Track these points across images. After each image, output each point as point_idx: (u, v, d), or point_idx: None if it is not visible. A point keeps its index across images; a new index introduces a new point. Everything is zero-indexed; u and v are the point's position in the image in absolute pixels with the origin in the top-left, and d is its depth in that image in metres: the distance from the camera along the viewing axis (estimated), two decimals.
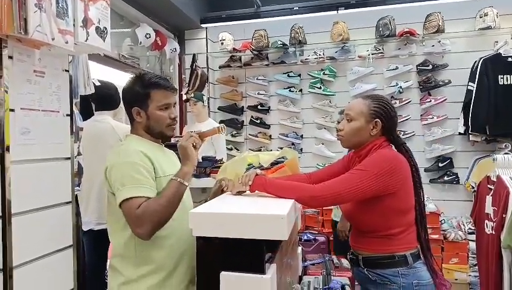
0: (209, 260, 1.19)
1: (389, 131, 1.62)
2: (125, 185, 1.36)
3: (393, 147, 1.64)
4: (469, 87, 3.71)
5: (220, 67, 4.57)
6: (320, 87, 4.29)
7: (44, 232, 1.59)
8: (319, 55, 4.22)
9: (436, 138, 3.97)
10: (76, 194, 2.03)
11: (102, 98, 2.56)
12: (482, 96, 3.59)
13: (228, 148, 4.32)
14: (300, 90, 4.39)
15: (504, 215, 2.23)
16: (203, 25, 4.36)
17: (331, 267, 2.36)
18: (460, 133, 3.84)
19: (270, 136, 4.50)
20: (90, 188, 2.46)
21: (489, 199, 2.41)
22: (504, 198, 2.24)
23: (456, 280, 3.47)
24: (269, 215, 1.15)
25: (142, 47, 3.69)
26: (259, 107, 4.51)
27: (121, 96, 2.63)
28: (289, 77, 4.38)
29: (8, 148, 1.40)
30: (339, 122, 3.30)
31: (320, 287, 1.90)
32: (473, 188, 3.63)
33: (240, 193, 1.51)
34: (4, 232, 1.39)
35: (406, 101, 4.07)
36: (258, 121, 4.51)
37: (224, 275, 1.14)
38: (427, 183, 3.92)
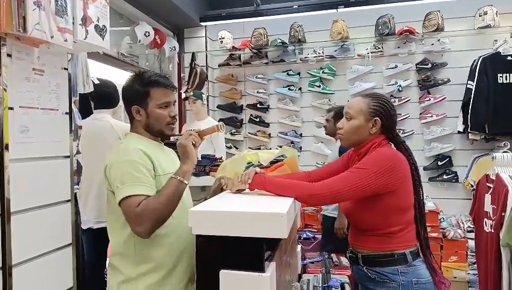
0: (208, 258, 1.19)
1: (388, 129, 1.62)
2: (125, 183, 1.36)
3: (392, 145, 1.64)
4: (468, 86, 3.71)
5: (219, 65, 4.57)
6: (319, 86, 4.29)
7: (43, 231, 1.59)
8: (319, 53, 4.22)
9: (435, 137, 3.97)
10: (76, 193, 2.03)
11: (101, 97, 2.56)
12: (481, 94, 3.59)
13: (227, 147, 4.32)
14: (300, 88, 4.38)
15: (503, 214, 2.23)
16: (202, 23, 4.35)
17: (331, 266, 2.37)
18: (459, 132, 3.85)
19: (270, 134, 4.50)
20: (89, 186, 2.46)
21: (488, 197, 2.42)
22: (503, 196, 2.25)
23: (455, 278, 3.48)
24: (269, 214, 1.15)
25: (141, 45, 3.68)
26: (258, 105, 4.51)
27: (120, 95, 2.65)
28: (288, 75, 4.37)
29: (7, 147, 1.40)
30: (327, 121, 3.33)
31: (320, 285, 1.90)
32: (472, 186, 3.63)
33: (239, 191, 1.50)
34: (3, 231, 1.39)
35: (405, 100, 4.07)
36: (257, 120, 4.51)
37: (223, 273, 1.14)
38: (426, 181, 3.92)
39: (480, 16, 3.75)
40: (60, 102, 1.69)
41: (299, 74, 4.37)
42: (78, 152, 2.55)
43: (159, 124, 1.53)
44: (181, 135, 2.99)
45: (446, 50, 3.93)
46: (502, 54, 3.57)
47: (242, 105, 4.59)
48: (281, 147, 3.14)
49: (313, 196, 1.45)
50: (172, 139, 1.98)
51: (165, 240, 1.45)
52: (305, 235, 3.46)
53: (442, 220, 3.73)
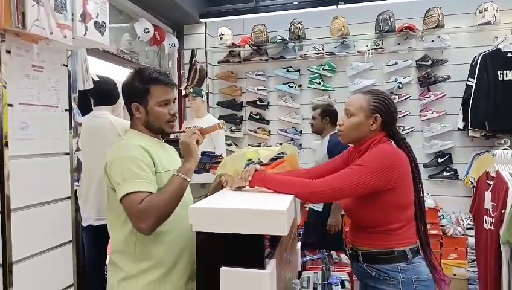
0: (209, 255, 1.19)
1: (388, 126, 1.62)
2: (126, 179, 1.36)
3: (392, 142, 1.64)
4: (468, 83, 3.70)
5: (219, 62, 4.55)
6: (319, 83, 4.28)
7: (43, 228, 1.59)
8: (319, 50, 4.21)
9: (435, 134, 3.97)
10: (76, 190, 2.03)
11: (101, 93, 2.55)
12: (481, 91, 3.58)
13: (227, 144, 4.31)
14: (300, 85, 4.38)
15: (503, 211, 2.23)
16: (202, 20, 4.34)
17: (330, 263, 2.37)
18: (459, 129, 3.84)
19: (269, 131, 4.50)
20: (89, 183, 2.46)
21: (488, 195, 2.42)
22: (503, 194, 2.24)
23: (455, 275, 3.49)
24: (269, 211, 1.15)
25: (141, 42, 3.67)
26: (258, 102, 4.50)
27: (120, 92, 2.64)
28: (288, 72, 4.36)
29: (6, 144, 1.40)
30: (313, 118, 3.34)
31: (320, 282, 1.90)
32: (472, 183, 3.63)
33: (239, 189, 1.50)
34: (3, 228, 1.39)
35: (405, 97, 4.07)
36: (257, 117, 4.50)
37: (224, 270, 1.14)
38: (426, 178, 3.92)
39: (480, 12, 3.74)
40: (59, 99, 1.68)
41: (299, 70, 4.36)
42: (78, 149, 2.54)
43: (159, 122, 1.53)
44: (181, 132, 2.99)
45: (446, 47, 3.92)
46: (502, 50, 3.56)
47: (242, 102, 4.58)
48: (281, 144, 3.15)
49: (313, 193, 1.45)
50: (172, 136, 1.98)
51: (165, 237, 1.45)
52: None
53: (442, 217, 3.73)
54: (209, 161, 2.76)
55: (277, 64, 4.43)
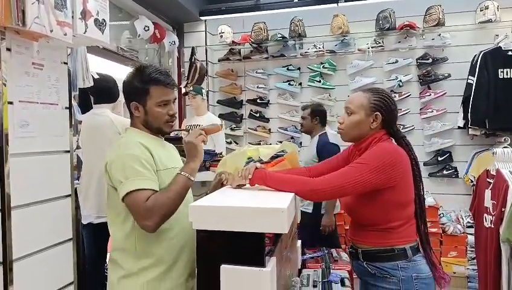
0: (209, 253, 1.19)
1: (389, 124, 1.62)
2: (129, 177, 1.36)
3: (393, 140, 1.64)
4: (469, 81, 3.70)
5: (219, 60, 4.55)
6: (319, 81, 4.28)
7: (44, 226, 1.59)
8: (319, 48, 4.21)
9: (436, 132, 3.97)
10: (76, 188, 2.03)
11: (101, 91, 2.55)
12: (481, 90, 3.58)
13: (227, 142, 4.32)
14: (300, 83, 4.37)
15: (503, 209, 2.23)
16: (202, 18, 4.33)
17: (330, 261, 2.37)
18: (459, 127, 3.84)
19: (270, 129, 4.50)
20: (89, 181, 2.46)
21: (488, 193, 2.42)
22: (503, 192, 2.24)
23: (455, 273, 3.50)
24: (269, 209, 1.15)
25: (141, 40, 3.67)
26: (258, 100, 4.50)
27: (120, 90, 2.63)
28: (288, 70, 4.36)
29: (7, 141, 1.39)
30: (303, 118, 3.34)
31: (320, 280, 1.91)
32: (472, 181, 3.64)
33: (239, 187, 1.50)
34: (4, 226, 1.39)
35: (406, 95, 4.07)
36: (257, 115, 4.50)
37: (224, 268, 1.14)
38: (426, 177, 3.92)
39: (481, 10, 3.74)
40: (59, 96, 1.68)
41: (299, 68, 4.36)
42: (78, 147, 2.54)
43: (157, 122, 1.53)
44: (181, 130, 2.99)
45: (447, 45, 3.92)
46: (502, 48, 3.56)
47: (242, 100, 4.58)
48: (281, 142, 3.14)
49: (313, 191, 1.45)
50: (172, 134, 1.98)
51: (166, 235, 1.45)
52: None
53: (441, 215, 3.73)
54: (209, 159, 2.75)
55: (277, 62, 4.42)
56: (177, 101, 1.65)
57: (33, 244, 1.53)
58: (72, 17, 1.53)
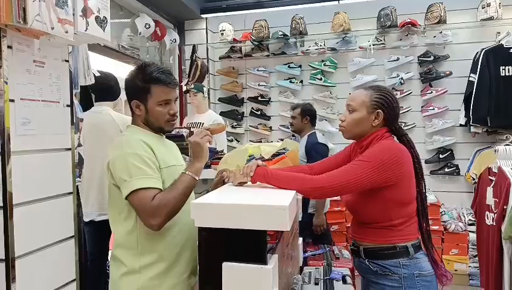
0: (211, 251, 1.19)
1: (390, 122, 1.61)
2: (133, 176, 1.36)
3: (395, 138, 1.63)
4: (470, 79, 3.69)
5: (220, 58, 4.55)
6: (321, 79, 4.27)
7: (46, 223, 1.59)
8: (320, 46, 4.20)
9: (437, 130, 3.97)
10: (77, 185, 2.03)
11: (102, 89, 2.55)
12: (483, 87, 3.58)
13: (228, 140, 4.32)
14: (301, 81, 4.37)
15: (505, 207, 2.23)
16: (203, 15, 4.33)
17: (332, 258, 2.37)
18: (461, 125, 3.84)
19: (271, 127, 4.50)
20: (91, 179, 2.46)
21: (490, 191, 2.42)
22: (505, 189, 2.24)
23: (456, 270, 3.50)
24: (271, 206, 1.14)
25: (142, 38, 3.66)
26: (259, 98, 4.50)
27: (121, 88, 2.63)
28: (290, 68, 4.36)
29: (8, 139, 1.39)
30: (293, 118, 3.35)
31: (321, 277, 1.90)
32: (474, 179, 3.63)
33: (241, 184, 1.50)
34: (6, 223, 1.39)
35: (407, 93, 4.06)
36: (259, 113, 4.50)
37: (226, 265, 1.14)
38: (427, 174, 3.92)
39: (483, 7, 3.73)
40: (61, 94, 1.68)
41: (300, 66, 4.36)
42: (79, 145, 2.54)
43: (158, 122, 1.53)
44: (182, 128, 2.98)
45: (448, 42, 3.91)
46: (504, 46, 3.55)
47: (243, 98, 4.58)
48: (282, 140, 3.14)
49: (315, 188, 1.44)
50: (174, 132, 1.98)
51: (168, 232, 1.45)
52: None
53: (443, 213, 3.73)
54: (210, 157, 2.76)
55: (278, 60, 4.42)
56: (178, 99, 1.65)
57: (35, 242, 1.53)
58: (73, 14, 1.53)
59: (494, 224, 2.34)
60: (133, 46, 3.65)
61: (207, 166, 2.69)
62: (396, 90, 4.01)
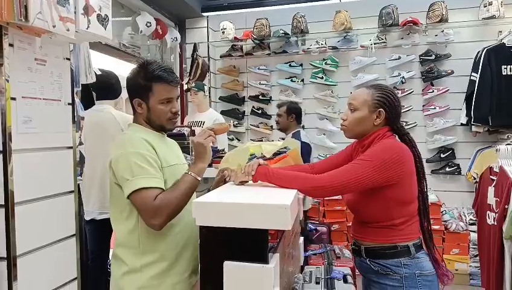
0: (212, 250, 1.19)
1: (392, 121, 1.61)
2: (136, 175, 1.36)
3: (396, 137, 1.63)
4: (472, 78, 3.69)
5: (221, 56, 4.54)
6: (322, 77, 4.27)
7: (47, 222, 1.59)
8: (321, 44, 4.19)
9: (438, 129, 3.96)
10: (79, 184, 2.03)
11: (103, 88, 2.55)
12: (485, 86, 3.57)
13: (229, 139, 4.32)
14: (302, 80, 4.37)
15: (506, 206, 2.22)
16: (204, 14, 4.32)
17: (333, 257, 2.37)
18: (462, 124, 3.84)
19: (272, 126, 4.49)
20: (92, 177, 2.46)
21: (491, 190, 2.41)
22: (507, 189, 2.24)
23: (457, 270, 3.49)
24: (273, 205, 1.14)
25: (143, 36, 3.66)
26: (260, 97, 4.49)
27: (121, 86, 2.63)
28: (291, 66, 4.35)
29: (10, 137, 1.39)
30: (279, 116, 3.36)
31: (322, 277, 1.90)
32: (475, 178, 3.63)
33: (242, 183, 1.50)
34: (7, 222, 1.39)
35: (408, 92, 4.06)
36: (260, 111, 4.49)
37: (227, 264, 1.14)
38: (428, 174, 3.92)
39: (485, 6, 3.72)
40: (62, 92, 1.68)
41: (301, 65, 4.35)
42: (80, 143, 2.54)
43: (160, 120, 1.52)
44: (183, 127, 2.98)
45: (450, 41, 3.90)
46: (506, 45, 3.54)
47: (244, 96, 4.57)
48: (283, 139, 3.15)
49: (316, 188, 1.44)
50: (175, 131, 1.98)
51: (169, 231, 1.45)
52: (307, 228, 3.46)
53: (444, 212, 3.73)
54: (211, 156, 2.76)
55: (279, 59, 4.41)
56: (179, 97, 1.65)
57: (36, 240, 1.53)
58: (75, 12, 1.53)
59: (495, 224, 2.33)
60: (134, 44, 3.64)
61: (208, 165, 2.69)
62: (397, 89, 4.00)
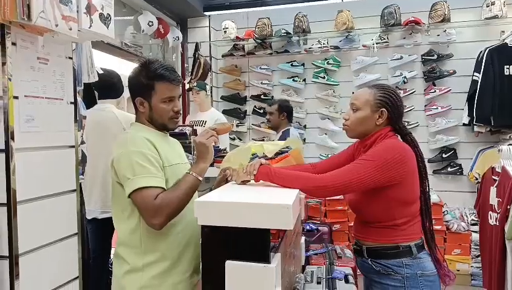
0: (214, 249, 1.19)
1: (394, 121, 1.61)
2: (137, 174, 1.36)
3: (398, 137, 1.63)
4: (474, 78, 3.68)
5: (223, 56, 4.54)
6: (324, 77, 4.26)
7: (49, 220, 1.59)
8: (323, 44, 4.19)
9: (440, 129, 3.96)
10: (80, 183, 2.03)
11: (106, 87, 2.55)
12: (487, 86, 3.56)
13: (231, 138, 4.32)
14: (304, 79, 4.36)
15: (508, 207, 2.22)
16: (206, 13, 4.32)
17: (334, 257, 2.37)
18: (464, 124, 3.83)
19: None
20: (94, 176, 2.47)
21: (493, 190, 2.41)
22: (509, 189, 2.23)
23: (458, 270, 3.49)
24: (275, 205, 1.14)
25: (145, 35, 3.66)
26: (262, 96, 4.49)
27: (124, 85, 2.63)
28: (293, 66, 4.35)
29: (12, 136, 1.39)
30: (270, 114, 3.35)
31: (324, 277, 1.90)
32: (477, 179, 3.62)
33: (244, 183, 1.50)
34: (10, 220, 1.39)
35: (410, 92, 4.05)
36: (261, 111, 4.48)
37: (229, 264, 1.14)
38: (430, 174, 3.91)
39: (487, 6, 3.71)
40: (64, 91, 1.68)
41: (303, 64, 4.34)
42: (82, 142, 2.54)
43: (162, 119, 1.52)
44: (185, 126, 2.98)
45: (452, 41, 3.89)
46: (509, 45, 3.52)
47: (246, 96, 4.57)
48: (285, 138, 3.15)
49: (318, 187, 1.44)
50: (177, 130, 1.98)
51: (171, 230, 1.45)
52: (308, 227, 3.45)
53: (446, 212, 3.72)
54: (213, 156, 2.76)
55: (281, 58, 4.41)
56: (181, 96, 1.65)
57: (38, 239, 1.53)
58: (77, 11, 1.53)
59: (497, 224, 2.33)
60: (135, 43, 3.64)
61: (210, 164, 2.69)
62: (399, 89, 4.00)
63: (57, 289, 1.63)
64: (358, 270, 1.78)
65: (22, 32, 1.43)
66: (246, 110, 4.57)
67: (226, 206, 1.18)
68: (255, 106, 4.51)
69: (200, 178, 1.46)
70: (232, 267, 1.14)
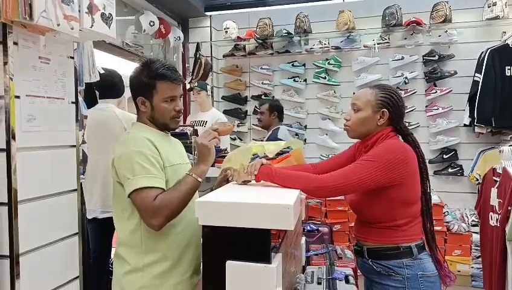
0: (214, 249, 1.19)
1: (396, 121, 1.61)
2: (137, 174, 1.36)
3: (400, 137, 1.63)
4: (475, 78, 3.67)
5: (224, 56, 4.54)
6: (325, 77, 4.26)
7: (50, 220, 1.59)
8: (324, 44, 4.19)
9: (441, 130, 3.95)
10: (81, 182, 2.03)
11: (107, 86, 2.55)
12: (488, 87, 3.56)
13: (232, 138, 4.32)
14: (305, 80, 4.36)
15: (509, 208, 2.22)
16: (207, 13, 4.32)
17: (335, 258, 2.37)
18: (465, 125, 3.82)
19: None
20: (95, 176, 2.47)
21: (494, 191, 2.40)
22: (510, 190, 2.23)
23: (459, 271, 3.49)
24: (275, 205, 1.14)
25: (146, 35, 3.66)
26: (263, 96, 4.49)
27: (124, 85, 2.63)
28: (294, 66, 4.35)
29: (14, 136, 1.40)
30: (261, 113, 3.36)
31: (324, 277, 1.90)
32: (478, 180, 3.62)
33: (245, 183, 1.50)
34: (10, 220, 1.39)
35: (411, 92, 4.05)
36: None
37: (229, 264, 1.14)
38: (431, 175, 3.91)
39: (489, 6, 3.71)
40: (66, 91, 1.68)
41: (304, 65, 4.34)
42: (83, 142, 2.54)
43: (163, 118, 1.52)
44: (186, 126, 2.98)
45: (453, 42, 3.89)
46: (510, 46, 3.52)
47: (247, 96, 4.57)
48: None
49: (319, 188, 1.44)
50: (178, 130, 1.98)
51: (171, 230, 1.45)
52: (308, 228, 3.45)
53: (446, 213, 3.72)
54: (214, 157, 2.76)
55: (282, 59, 4.41)
56: (182, 96, 1.64)
57: (39, 239, 1.53)
58: (79, 11, 1.52)
59: (498, 225, 2.33)
60: (137, 43, 3.65)
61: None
62: (400, 89, 3.99)
63: (58, 289, 1.63)
64: (359, 271, 1.77)
65: (23, 32, 1.43)
66: (247, 111, 4.57)
67: (227, 207, 1.18)
68: (255, 106, 4.51)
69: (200, 180, 1.46)
70: (232, 267, 1.14)
